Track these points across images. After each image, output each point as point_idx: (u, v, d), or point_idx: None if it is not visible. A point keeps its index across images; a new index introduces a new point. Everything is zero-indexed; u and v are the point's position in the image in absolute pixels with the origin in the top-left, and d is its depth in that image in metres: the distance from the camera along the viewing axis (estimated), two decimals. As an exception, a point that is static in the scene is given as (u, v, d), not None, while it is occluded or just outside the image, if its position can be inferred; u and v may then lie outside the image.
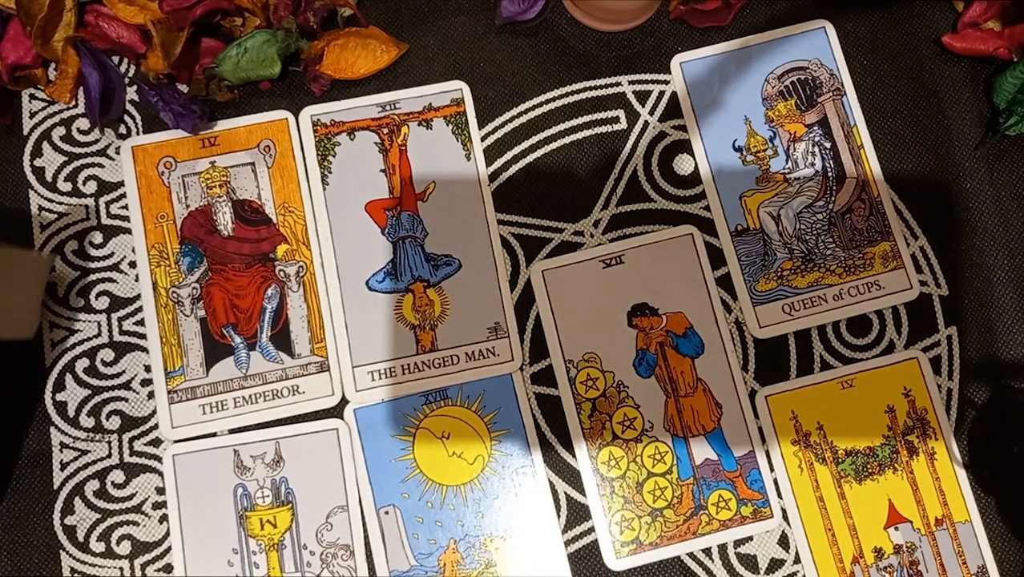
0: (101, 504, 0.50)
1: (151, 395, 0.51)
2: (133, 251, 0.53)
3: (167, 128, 0.54)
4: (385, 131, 0.55)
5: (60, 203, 0.53)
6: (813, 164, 0.55)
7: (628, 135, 0.56)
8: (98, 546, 0.50)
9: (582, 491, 0.51)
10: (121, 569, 0.50)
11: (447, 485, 0.51)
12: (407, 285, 0.53)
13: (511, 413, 0.52)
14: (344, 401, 0.52)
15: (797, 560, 0.51)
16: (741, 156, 0.55)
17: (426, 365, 0.52)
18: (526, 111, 0.56)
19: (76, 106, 0.55)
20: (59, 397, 0.51)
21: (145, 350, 0.52)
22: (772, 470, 0.52)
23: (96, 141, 0.54)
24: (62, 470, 0.51)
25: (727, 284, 0.54)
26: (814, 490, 0.51)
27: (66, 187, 0.54)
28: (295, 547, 0.50)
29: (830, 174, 0.55)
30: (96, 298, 0.52)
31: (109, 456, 0.51)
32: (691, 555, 0.51)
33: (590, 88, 0.56)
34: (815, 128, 0.56)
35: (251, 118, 0.54)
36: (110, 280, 0.53)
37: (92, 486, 0.50)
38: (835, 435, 0.52)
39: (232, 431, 0.51)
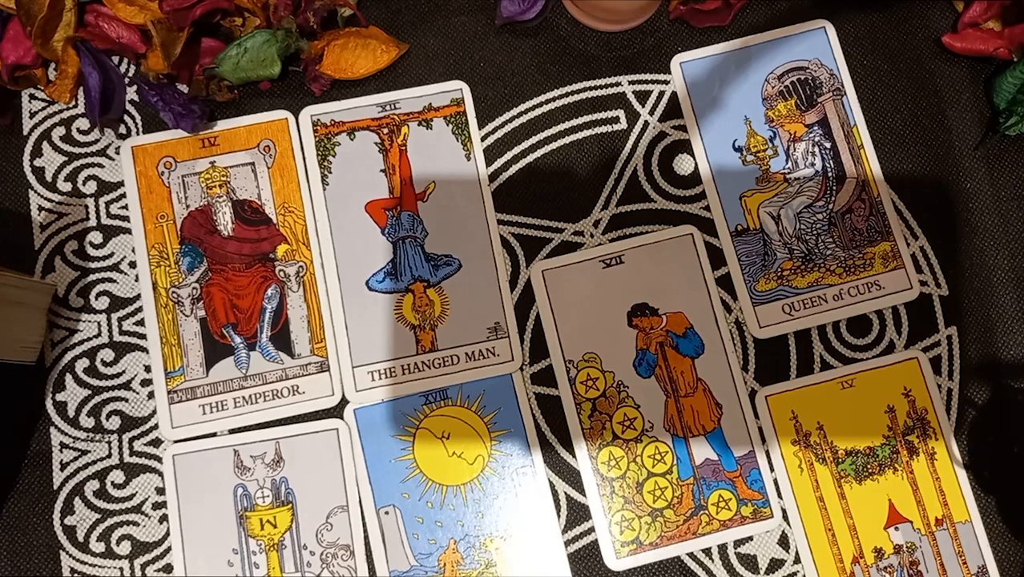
0: (101, 504, 0.50)
1: (151, 395, 0.51)
2: (133, 251, 0.53)
3: (167, 128, 0.54)
4: (385, 131, 0.55)
5: (60, 203, 0.53)
6: (813, 164, 0.55)
7: (628, 135, 0.56)
8: (98, 546, 0.50)
9: (582, 491, 0.51)
10: (121, 569, 0.50)
11: (447, 485, 0.51)
12: (407, 285, 0.53)
13: (511, 413, 0.52)
14: (344, 401, 0.52)
15: (797, 560, 0.51)
16: (741, 156, 0.55)
17: (426, 365, 0.52)
18: (526, 111, 0.56)
19: (76, 106, 0.55)
20: (59, 397, 0.51)
21: (145, 350, 0.52)
22: (772, 470, 0.52)
23: (96, 141, 0.54)
24: (62, 470, 0.51)
25: (727, 284, 0.54)
26: (814, 490, 0.51)
27: (66, 187, 0.54)
28: (295, 547, 0.50)
29: (830, 174, 0.55)
30: (96, 298, 0.52)
31: (109, 456, 0.51)
32: (691, 555, 0.51)
33: (590, 88, 0.56)
34: (815, 128, 0.56)
35: (251, 118, 0.54)
36: (110, 280, 0.53)
37: (92, 486, 0.50)
38: (835, 435, 0.52)
39: (232, 431, 0.51)
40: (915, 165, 0.56)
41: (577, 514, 0.51)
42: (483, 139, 0.55)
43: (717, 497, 0.51)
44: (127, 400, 0.52)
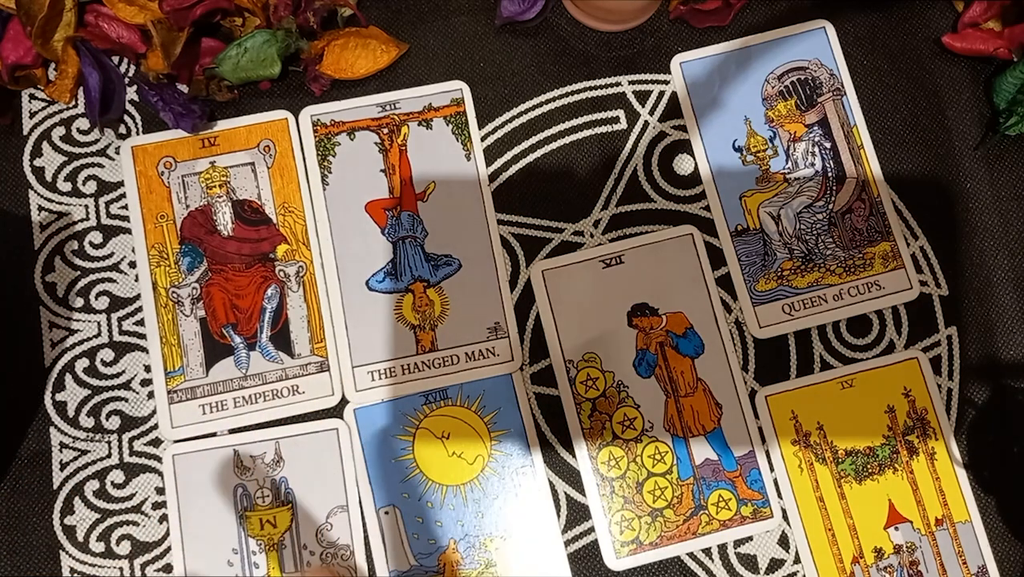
0: (101, 504, 0.50)
1: (151, 395, 0.51)
2: (133, 251, 0.53)
3: (167, 128, 0.54)
4: (385, 131, 0.55)
5: (60, 203, 0.53)
6: (813, 164, 0.55)
7: (628, 135, 0.56)
8: (98, 546, 0.50)
9: (582, 491, 0.51)
10: (121, 569, 0.50)
11: (447, 485, 0.51)
12: (407, 285, 0.53)
13: (511, 413, 0.52)
14: (344, 401, 0.52)
15: (797, 560, 0.51)
16: (741, 156, 0.55)
17: (426, 365, 0.52)
18: (526, 111, 0.56)
19: (76, 106, 0.55)
20: (59, 397, 0.51)
21: (145, 350, 0.52)
22: (772, 470, 0.52)
23: (96, 141, 0.54)
24: (62, 470, 0.51)
25: (727, 284, 0.54)
26: (814, 490, 0.51)
27: (66, 187, 0.54)
28: (295, 547, 0.50)
29: (830, 174, 0.55)
30: (96, 298, 0.52)
31: (109, 456, 0.51)
32: (691, 555, 0.51)
33: (590, 88, 0.56)
34: (815, 128, 0.56)
35: (251, 118, 0.54)
36: (110, 280, 0.53)
37: (92, 486, 0.50)
38: (835, 435, 0.52)
39: (232, 431, 0.51)
40: (915, 165, 0.56)
41: (577, 514, 0.51)
42: (483, 139, 0.55)
43: (717, 497, 0.51)
44: (127, 400, 0.52)
